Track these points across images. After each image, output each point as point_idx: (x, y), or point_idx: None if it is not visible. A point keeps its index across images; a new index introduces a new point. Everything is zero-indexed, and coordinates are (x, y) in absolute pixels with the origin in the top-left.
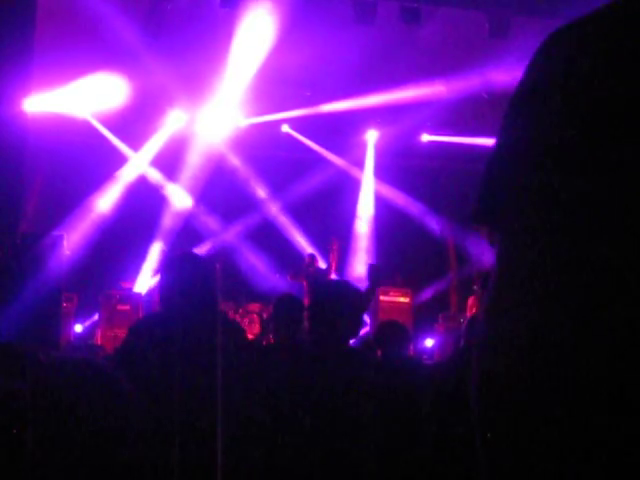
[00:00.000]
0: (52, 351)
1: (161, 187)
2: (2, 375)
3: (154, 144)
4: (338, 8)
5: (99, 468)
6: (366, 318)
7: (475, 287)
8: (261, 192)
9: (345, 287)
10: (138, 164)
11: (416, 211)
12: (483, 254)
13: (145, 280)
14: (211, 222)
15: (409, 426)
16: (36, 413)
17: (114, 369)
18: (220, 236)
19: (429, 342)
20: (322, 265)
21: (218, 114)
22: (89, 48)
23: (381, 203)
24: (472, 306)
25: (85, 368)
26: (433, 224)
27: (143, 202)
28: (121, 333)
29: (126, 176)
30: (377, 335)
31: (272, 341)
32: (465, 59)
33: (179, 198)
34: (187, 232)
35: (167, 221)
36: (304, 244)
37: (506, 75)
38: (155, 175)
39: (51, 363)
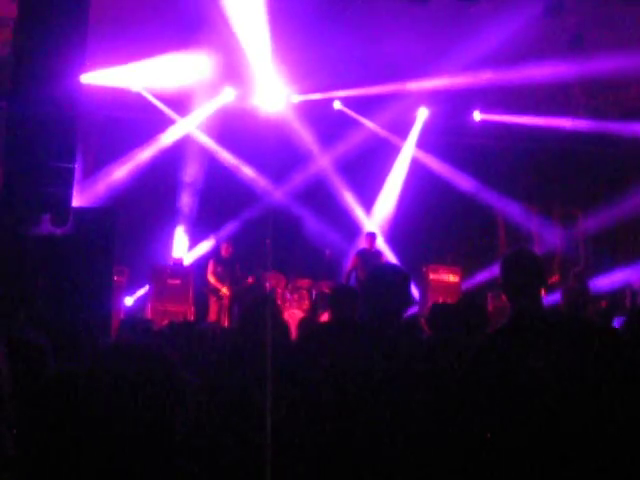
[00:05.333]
0: (106, 332)
1: (211, 156)
2: (56, 358)
3: (203, 112)
4: None
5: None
6: (415, 294)
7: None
8: (314, 150)
9: (393, 270)
10: (185, 128)
11: (467, 189)
12: (544, 235)
13: (196, 253)
14: (264, 186)
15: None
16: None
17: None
18: (272, 199)
19: None
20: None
21: (270, 90)
22: (148, 25)
23: (432, 180)
24: None
25: (145, 357)
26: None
27: (198, 177)
28: (171, 308)
29: (170, 140)
30: (430, 317)
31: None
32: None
33: (230, 164)
34: (241, 197)
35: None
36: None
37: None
38: (208, 144)
39: (109, 348)
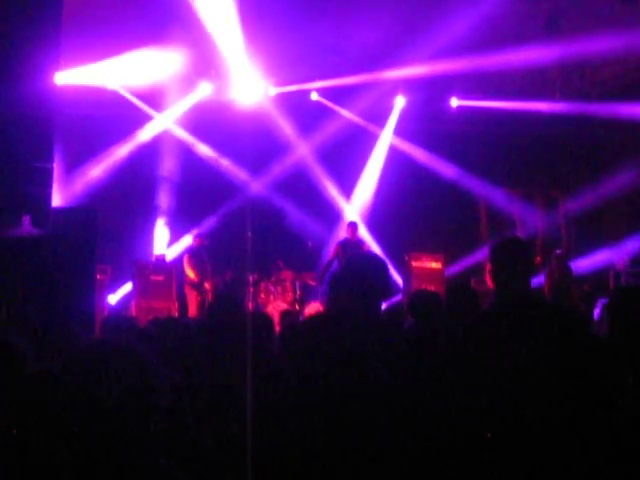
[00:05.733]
0: (89, 330)
1: (189, 150)
2: (37, 358)
3: (180, 107)
4: None
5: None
6: (399, 282)
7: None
8: (293, 141)
9: (370, 259)
10: (163, 123)
11: (447, 175)
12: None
13: (178, 248)
14: (243, 178)
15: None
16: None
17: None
18: (251, 192)
19: None
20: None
21: (247, 83)
22: (121, 23)
23: (412, 168)
24: None
25: (125, 356)
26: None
27: (176, 170)
28: (155, 304)
29: (147, 136)
30: (410, 305)
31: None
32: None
33: (208, 156)
34: (220, 190)
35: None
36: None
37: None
38: (186, 139)
39: (88, 346)
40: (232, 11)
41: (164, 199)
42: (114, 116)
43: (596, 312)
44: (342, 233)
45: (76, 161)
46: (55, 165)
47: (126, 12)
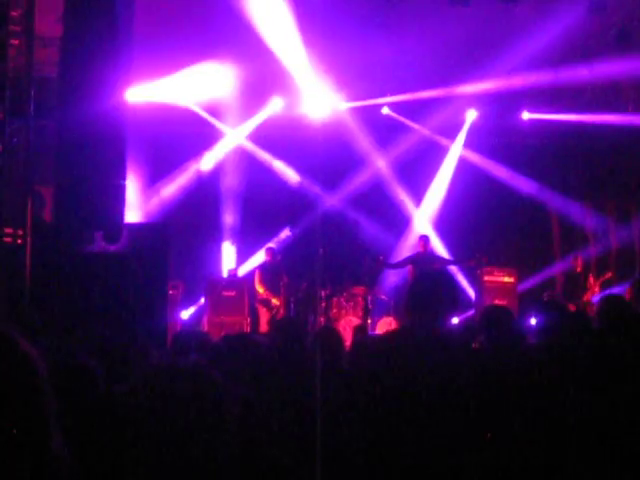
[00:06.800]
0: (160, 346)
1: (262, 166)
2: (109, 376)
3: (252, 123)
4: None
5: None
6: (472, 295)
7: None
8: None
9: (439, 275)
10: (235, 139)
11: (520, 188)
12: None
13: (250, 265)
14: (317, 195)
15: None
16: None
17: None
18: (323, 206)
19: (533, 321)
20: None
21: (317, 98)
22: (191, 38)
23: (485, 182)
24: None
25: (194, 380)
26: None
27: (247, 187)
28: (227, 319)
29: (220, 153)
30: (482, 320)
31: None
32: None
33: (285, 174)
34: (292, 206)
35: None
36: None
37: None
38: (258, 154)
39: (157, 369)
40: (292, 25)
41: (235, 216)
42: (187, 133)
43: None
44: (415, 247)
45: (153, 179)
46: (129, 182)
47: (189, 27)
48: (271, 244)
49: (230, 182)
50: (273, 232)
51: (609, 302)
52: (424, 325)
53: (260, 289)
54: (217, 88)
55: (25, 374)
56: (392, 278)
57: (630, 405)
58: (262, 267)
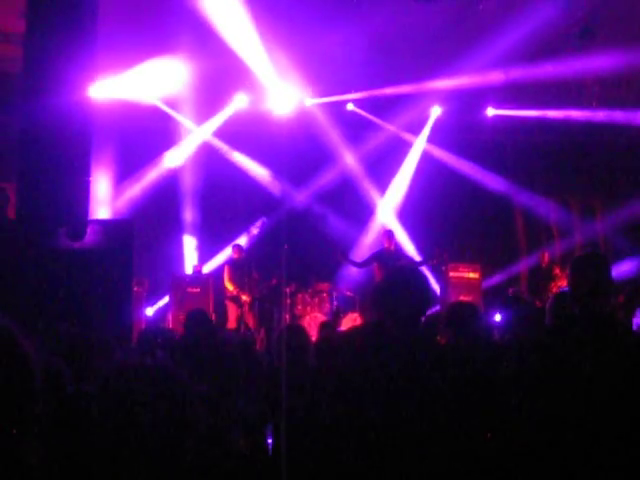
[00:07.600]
0: (127, 343)
1: (227, 162)
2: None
3: (217, 119)
4: None
5: None
6: (436, 290)
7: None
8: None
9: (410, 272)
10: (202, 136)
11: (485, 185)
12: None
13: (216, 261)
14: (283, 189)
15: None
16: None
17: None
18: (289, 202)
19: (497, 317)
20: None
21: (282, 94)
22: (154, 32)
23: (449, 178)
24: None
25: (159, 377)
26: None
27: (210, 183)
28: None
29: (186, 149)
30: (448, 316)
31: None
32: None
33: (251, 170)
34: (259, 201)
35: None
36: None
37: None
38: (223, 150)
39: (123, 368)
40: (249, 21)
41: (198, 212)
42: (154, 130)
43: (635, 321)
44: (380, 242)
45: (122, 176)
46: (99, 179)
47: (148, 21)
48: (238, 241)
49: (194, 179)
50: (237, 228)
51: (557, 299)
52: (397, 321)
53: (230, 286)
54: (177, 84)
55: (23, 374)
56: (356, 274)
57: (568, 403)
58: (231, 264)
